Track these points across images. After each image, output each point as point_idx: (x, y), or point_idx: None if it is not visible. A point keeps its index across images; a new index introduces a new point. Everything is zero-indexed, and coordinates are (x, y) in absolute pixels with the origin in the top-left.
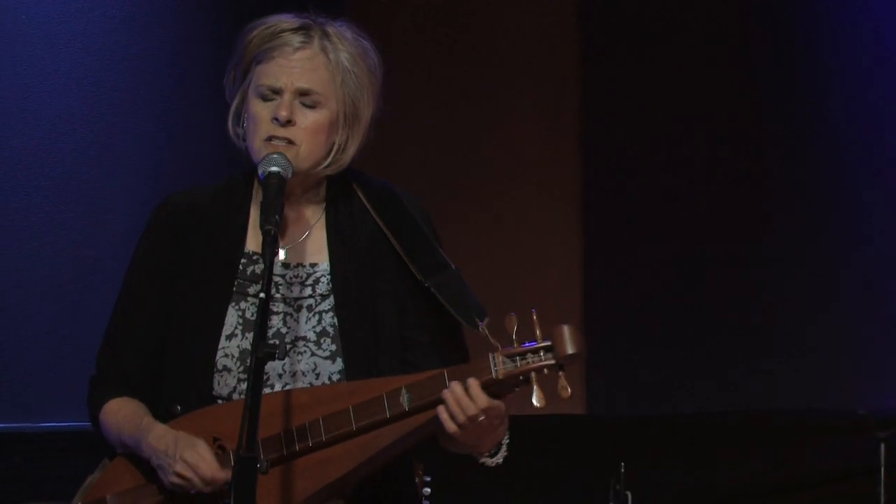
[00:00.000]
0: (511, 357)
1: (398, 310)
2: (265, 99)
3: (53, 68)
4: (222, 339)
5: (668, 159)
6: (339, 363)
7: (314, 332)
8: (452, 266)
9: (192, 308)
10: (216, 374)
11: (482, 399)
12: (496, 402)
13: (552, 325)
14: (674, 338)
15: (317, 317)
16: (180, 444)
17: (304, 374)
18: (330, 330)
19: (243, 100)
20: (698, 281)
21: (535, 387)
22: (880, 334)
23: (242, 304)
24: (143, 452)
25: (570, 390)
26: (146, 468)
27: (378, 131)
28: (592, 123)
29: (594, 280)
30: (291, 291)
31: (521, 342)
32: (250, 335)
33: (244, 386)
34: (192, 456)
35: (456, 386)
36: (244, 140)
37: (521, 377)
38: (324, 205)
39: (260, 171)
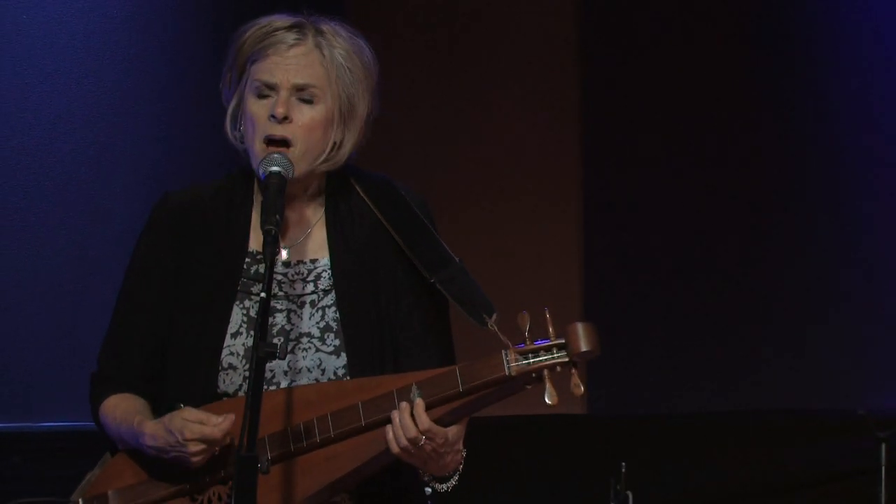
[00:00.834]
0: (524, 354)
1: (399, 303)
2: (261, 97)
3: (53, 68)
4: (227, 337)
5: (668, 159)
6: (344, 358)
7: (318, 327)
8: (457, 259)
9: (196, 307)
10: (221, 373)
11: (424, 421)
12: (439, 429)
13: (565, 323)
14: (674, 337)
15: (320, 312)
16: (174, 429)
17: (309, 370)
18: (333, 325)
19: (240, 102)
20: (699, 280)
21: (547, 384)
22: (880, 334)
23: (247, 303)
24: (144, 451)
25: (583, 388)
26: (148, 464)
27: (378, 130)
28: (593, 122)
29: (594, 279)
30: (294, 288)
31: (532, 339)
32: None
33: None
34: (192, 428)
35: (404, 406)
36: (242, 142)
37: (533, 375)
38: (323, 203)
39: (261, 171)
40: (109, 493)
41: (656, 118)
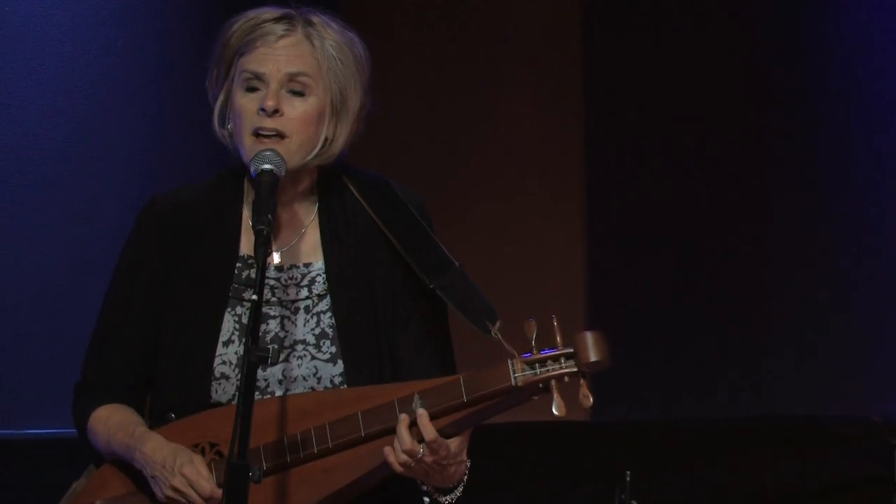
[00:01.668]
0: (531, 364)
1: (396, 309)
2: (250, 90)
3: (39, 62)
4: (219, 345)
5: (673, 160)
6: (340, 366)
7: (313, 334)
8: (456, 263)
9: (186, 314)
10: (214, 383)
11: (430, 431)
12: (443, 440)
13: (573, 332)
14: (681, 342)
15: (315, 318)
16: (179, 459)
17: (304, 378)
18: (329, 331)
19: (227, 98)
20: (706, 284)
21: (555, 395)
22: (893, 339)
23: (238, 310)
24: (135, 462)
25: (592, 399)
26: (136, 475)
27: (378, 129)
28: (595, 122)
29: (598, 284)
30: (287, 294)
31: (539, 348)
32: None
33: None
34: (191, 472)
35: (403, 418)
36: (231, 138)
37: (540, 385)
38: (316, 203)
39: (252, 169)
40: (97, 502)
41: (661, 118)
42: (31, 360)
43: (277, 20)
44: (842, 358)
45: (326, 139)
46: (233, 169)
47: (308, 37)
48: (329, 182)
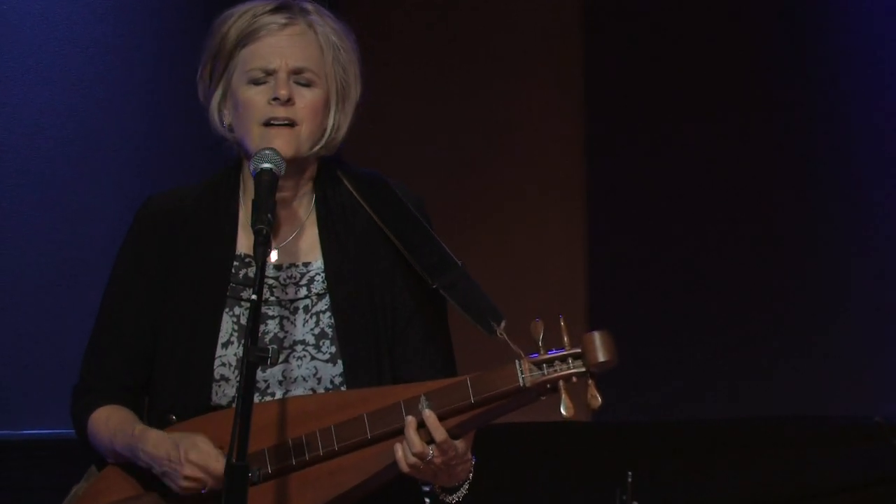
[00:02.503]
0: (538, 365)
1: (396, 308)
2: (257, 83)
3: (35, 60)
4: (218, 347)
5: (675, 160)
6: (340, 366)
7: (312, 334)
8: (459, 262)
9: (184, 316)
10: (214, 385)
11: (441, 433)
12: (452, 441)
13: (575, 332)
14: (682, 343)
15: (314, 318)
16: (182, 446)
17: (304, 379)
18: (328, 331)
19: (226, 92)
20: (708, 284)
21: (563, 395)
22: (894, 339)
23: (237, 310)
24: (139, 461)
25: (600, 399)
26: (142, 476)
27: (378, 129)
28: (597, 122)
29: (599, 284)
30: (286, 293)
31: (545, 348)
32: None
33: None
34: (198, 455)
35: (410, 420)
36: (232, 131)
37: (548, 385)
38: (314, 200)
39: (252, 168)
40: None
41: (662, 119)
42: (31, 361)
43: (274, 11)
44: (843, 358)
45: (334, 127)
46: (228, 167)
47: (310, 25)
48: (325, 177)
